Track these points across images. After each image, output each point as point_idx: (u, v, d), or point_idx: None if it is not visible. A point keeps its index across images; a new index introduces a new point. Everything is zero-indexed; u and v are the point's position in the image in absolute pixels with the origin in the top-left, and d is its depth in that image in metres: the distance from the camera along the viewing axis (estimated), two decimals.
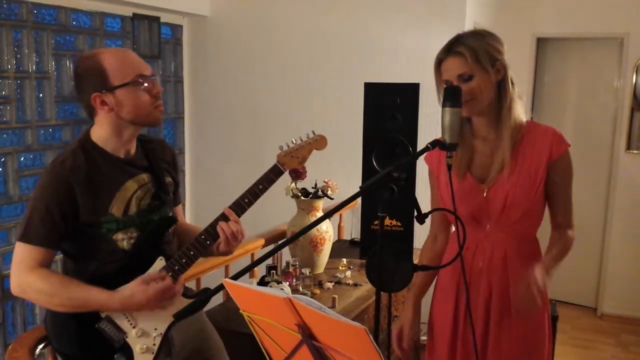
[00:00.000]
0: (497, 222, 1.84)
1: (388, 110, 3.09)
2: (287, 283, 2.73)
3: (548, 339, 1.90)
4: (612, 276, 4.97)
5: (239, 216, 1.85)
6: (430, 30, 4.01)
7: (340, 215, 3.99)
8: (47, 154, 3.60)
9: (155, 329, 1.82)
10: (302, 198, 3.02)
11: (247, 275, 2.95)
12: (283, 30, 4.48)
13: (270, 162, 1.96)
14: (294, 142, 1.98)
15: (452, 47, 1.78)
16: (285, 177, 2.94)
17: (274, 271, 2.79)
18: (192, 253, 1.83)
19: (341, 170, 4.07)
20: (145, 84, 1.75)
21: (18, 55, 3.40)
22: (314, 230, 2.98)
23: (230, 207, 1.86)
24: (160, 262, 1.82)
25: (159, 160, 1.93)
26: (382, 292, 1.62)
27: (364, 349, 1.08)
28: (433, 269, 1.79)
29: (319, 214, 3.04)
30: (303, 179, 2.94)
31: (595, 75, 5.04)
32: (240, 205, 1.86)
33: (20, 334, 2.71)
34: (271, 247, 2.89)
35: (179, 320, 1.76)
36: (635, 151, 4.83)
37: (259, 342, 1.38)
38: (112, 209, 1.77)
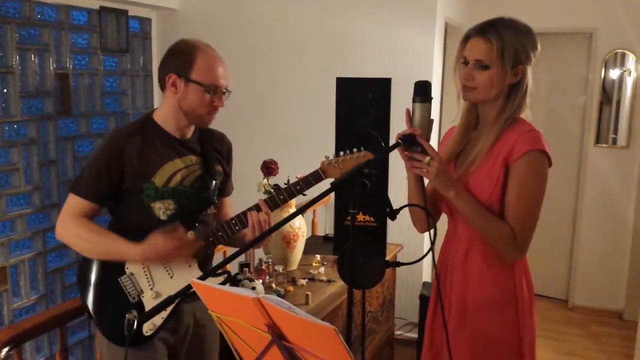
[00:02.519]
0: (462, 217, 1.82)
1: (360, 105, 3.07)
2: (260, 280, 2.70)
3: (519, 335, 1.83)
4: (582, 268, 5.05)
5: (272, 210, 1.99)
6: (402, 25, 4.01)
7: (314, 210, 3.97)
8: (12, 151, 3.51)
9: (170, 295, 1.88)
10: (274, 194, 2.99)
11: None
12: (254, 25, 4.43)
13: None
14: (342, 154, 2.02)
15: (485, 30, 1.73)
16: (258, 173, 2.93)
17: (247, 269, 2.76)
18: (220, 234, 2.00)
19: (313, 165, 4.02)
20: (213, 95, 1.94)
21: None
22: (287, 227, 2.96)
23: (265, 200, 1.99)
24: (190, 235, 1.95)
25: (212, 149, 2.10)
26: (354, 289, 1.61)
27: (334, 349, 1.06)
28: (404, 265, 1.77)
29: (292, 210, 3.01)
30: (275, 175, 2.91)
31: (565, 70, 5.10)
32: (274, 201, 2.00)
33: None
34: None
35: (146, 321, 1.81)
36: (604, 145, 4.90)
37: (229, 343, 1.36)
38: (155, 178, 1.95)
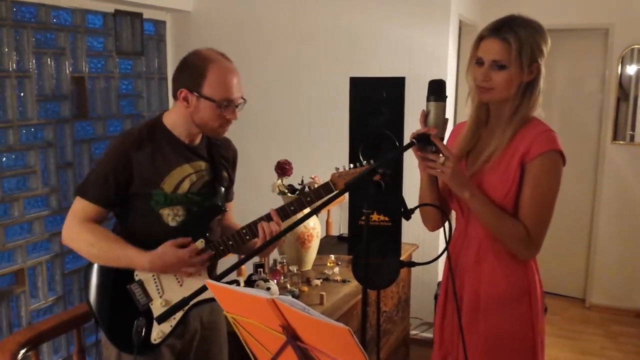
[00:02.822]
0: (473, 215, 1.81)
1: (374, 104, 3.07)
2: (275, 281, 2.70)
3: (532, 331, 1.83)
4: (600, 267, 5.00)
5: (282, 220, 1.98)
6: (416, 24, 3.99)
7: (328, 211, 3.97)
8: (30, 154, 3.55)
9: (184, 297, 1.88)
10: (289, 194, 2.99)
11: (235, 273, 2.93)
12: (267, 26, 4.44)
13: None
14: (352, 166, 2.05)
15: (501, 30, 1.71)
16: (272, 174, 2.93)
17: (261, 269, 2.77)
18: (230, 243, 1.98)
19: (327, 165, 4.03)
20: (225, 110, 1.91)
21: None
22: (301, 227, 2.96)
23: (276, 209, 1.98)
24: (200, 244, 1.94)
25: (219, 156, 2.09)
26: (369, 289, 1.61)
27: (349, 350, 1.06)
28: (418, 265, 1.77)
29: (306, 210, 3.01)
30: (289, 176, 2.92)
31: (581, 67, 5.05)
32: (285, 211, 1.99)
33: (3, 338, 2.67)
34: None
35: (162, 322, 1.81)
36: (621, 142, 4.85)
37: (244, 343, 1.36)
38: (164, 184, 1.92)
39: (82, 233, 1.89)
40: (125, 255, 1.88)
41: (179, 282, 1.96)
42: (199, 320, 2.05)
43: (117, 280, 1.93)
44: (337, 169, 2.04)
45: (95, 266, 1.95)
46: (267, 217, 1.97)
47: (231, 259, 2.99)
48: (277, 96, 4.46)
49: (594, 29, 4.89)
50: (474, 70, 1.77)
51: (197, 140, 2.02)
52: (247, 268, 2.97)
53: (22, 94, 3.49)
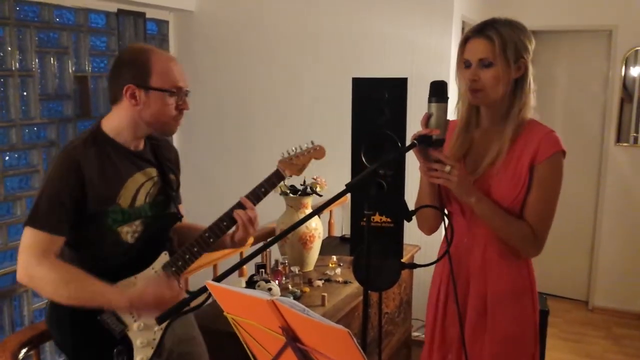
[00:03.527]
0: (476, 216, 1.81)
1: (376, 105, 3.06)
2: (276, 282, 2.70)
3: (534, 333, 1.86)
4: (603, 269, 4.98)
5: (254, 205, 1.94)
6: (418, 25, 3.99)
7: (330, 211, 3.97)
8: (32, 153, 3.55)
9: (156, 324, 1.82)
10: (291, 195, 2.99)
11: (236, 273, 2.93)
12: (270, 26, 4.44)
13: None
14: (294, 149, 2.06)
15: (484, 30, 1.73)
16: None
17: (263, 270, 2.77)
18: (195, 249, 1.86)
19: (329, 166, 4.02)
20: (178, 97, 1.81)
21: (1, 53, 3.34)
22: (303, 228, 2.96)
23: (246, 196, 1.94)
24: (164, 257, 1.84)
25: (164, 158, 1.97)
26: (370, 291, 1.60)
27: (349, 352, 1.06)
28: (420, 267, 1.77)
29: (308, 211, 3.01)
30: (291, 176, 2.91)
31: (585, 68, 5.04)
32: (257, 195, 1.96)
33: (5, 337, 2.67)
34: (260, 245, 2.87)
35: (162, 322, 1.73)
36: (625, 144, 4.83)
37: (244, 344, 1.36)
38: (120, 199, 1.78)
39: (45, 272, 1.67)
40: (100, 293, 1.69)
41: None
42: (172, 335, 1.93)
43: (86, 314, 1.74)
44: (282, 154, 2.06)
45: (59, 305, 1.74)
46: (239, 205, 1.92)
47: (234, 258, 2.99)
48: (279, 96, 4.46)
49: (597, 31, 4.88)
50: (463, 73, 1.77)
51: (142, 145, 1.89)
52: (249, 268, 2.96)
53: (24, 93, 3.50)
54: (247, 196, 1.94)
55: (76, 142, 1.78)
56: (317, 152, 2.11)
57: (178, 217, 1.95)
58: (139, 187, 1.84)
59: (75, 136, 3.77)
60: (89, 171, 1.72)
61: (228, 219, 1.91)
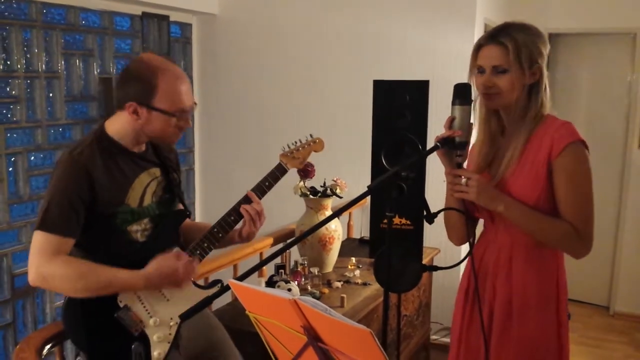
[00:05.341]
0: (504, 222, 1.79)
1: (397, 108, 3.06)
2: (296, 282, 2.72)
3: (558, 339, 1.83)
4: (624, 274, 4.92)
5: (260, 198, 1.98)
6: (440, 27, 3.98)
7: (350, 213, 3.97)
8: (57, 154, 3.61)
9: (171, 319, 1.87)
10: (311, 197, 3.01)
11: (256, 274, 2.95)
12: (292, 29, 4.46)
13: (277, 162, 2.04)
14: (295, 143, 2.13)
15: (497, 36, 1.72)
16: (294, 176, 2.94)
17: (283, 270, 2.78)
18: (205, 245, 1.92)
19: (350, 168, 4.05)
20: (180, 121, 1.82)
21: (28, 55, 3.41)
22: (322, 229, 2.97)
23: (252, 190, 1.97)
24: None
25: (165, 158, 2.01)
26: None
27: (370, 351, 1.07)
28: (441, 269, 1.77)
29: (328, 212, 3.03)
30: (312, 178, 2.93)
31: (608, 71, 4.99)
32: (261, 189, 1.99)
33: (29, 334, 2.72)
34: (280, 246, 2.89)
35: (186, 319, 1.76)
36: None
37: (265, 343, 1.37)
38: (128, 199, 1.82)
39: (58, 270, 1.69)
40: (116, 278, 1.73)
41: (166, 298, 1.89)
42: (192, 329, 1.98)
43: (102, 313, 1.79)
44: (283, 148, 2.12)
45: (74, 306, 1.81)
46: (245, 200, 1.95)
47: (254, 258, 3.01)
48: (299, 99, 4.48)
49: (621, 34, 4.83)
50: (476, 79, 1.76)
51: (144, 147, 1.94)
52: (269, 269, 2.98)
53: (50, 95, 3.56)
54: (253, 190, 1.99)
55: (82, 147, 1.79)
56: (316, 145, 2.20)
57: (186, 213, 2.00)
58: (145, 187, 1.88)
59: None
60: (97, 174, 1.75)
61: (235, 214, 1.96)
